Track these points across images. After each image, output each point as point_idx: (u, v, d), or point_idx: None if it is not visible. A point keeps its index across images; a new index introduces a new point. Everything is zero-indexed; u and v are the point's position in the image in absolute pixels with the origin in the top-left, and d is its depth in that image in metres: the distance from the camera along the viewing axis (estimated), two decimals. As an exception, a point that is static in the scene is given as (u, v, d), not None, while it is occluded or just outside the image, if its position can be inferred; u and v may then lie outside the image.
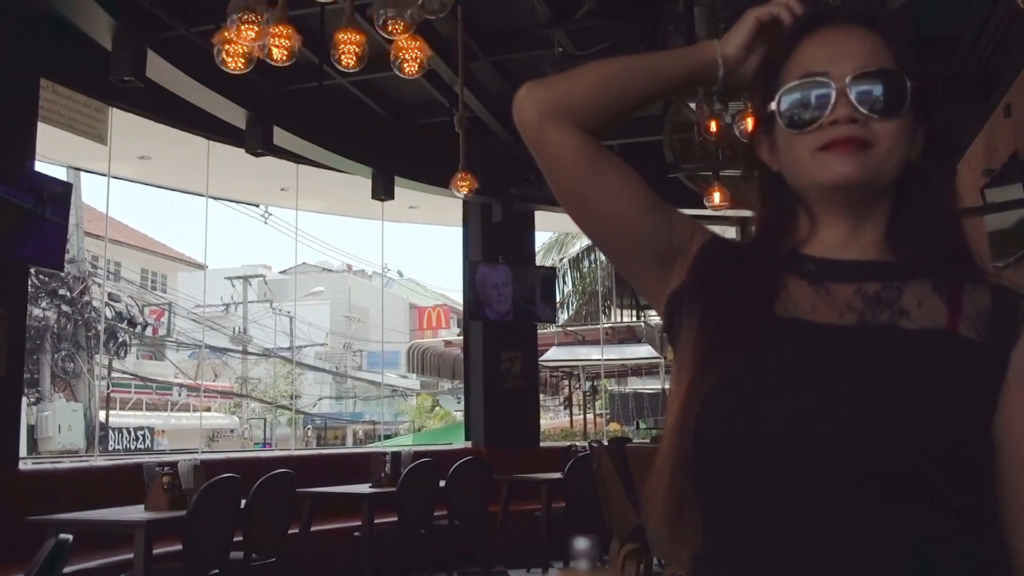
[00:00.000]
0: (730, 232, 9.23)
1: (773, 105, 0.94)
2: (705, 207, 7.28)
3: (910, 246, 0.94)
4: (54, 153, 7.11)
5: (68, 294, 17.23)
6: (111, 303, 19.82)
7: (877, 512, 0.81)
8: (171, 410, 24.38)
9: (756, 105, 0.99)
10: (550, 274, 9.51)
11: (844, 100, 0.90)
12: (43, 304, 16.80)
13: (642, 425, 15.34)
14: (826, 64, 0.92)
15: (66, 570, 2.99)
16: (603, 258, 20.85)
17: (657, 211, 1.00)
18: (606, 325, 18.15)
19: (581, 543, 0.69)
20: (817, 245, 0.96)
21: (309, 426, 26.49)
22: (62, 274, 15.46)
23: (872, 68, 0.91)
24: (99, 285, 17.87)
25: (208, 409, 23.99)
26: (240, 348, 25.32)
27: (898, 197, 0.95)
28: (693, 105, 6.15)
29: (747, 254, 1.00)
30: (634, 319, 22.34)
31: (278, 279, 29.14)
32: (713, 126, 5.94)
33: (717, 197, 7.00)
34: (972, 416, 0.83)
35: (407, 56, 4.18)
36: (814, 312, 0.91)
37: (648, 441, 7.74)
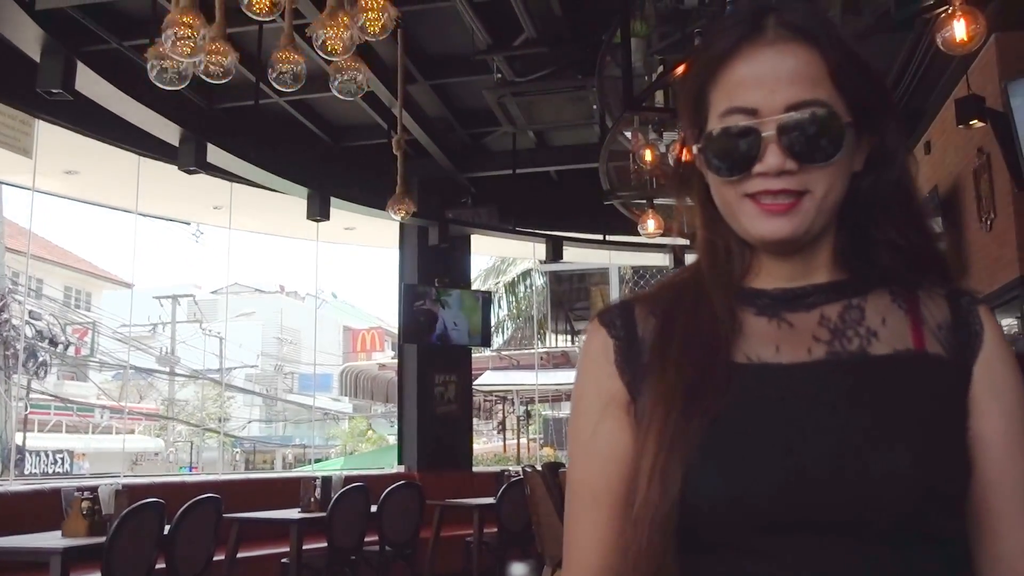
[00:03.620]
0: (663, 259, 9.39)
1: (696, 149, 0.87)
2: (639, 234, 7.40)
3: (862, 259, 0.88)
4: (-25, 165, 6.89)
5: (-14, 311, 16.60)
6: (32, 321, 19.17)
7: (878, 557, 0.77)
8: (92, 432, 23.63)
9: (687, 122, 0.91)
10: (486, 298, 9.51)
11: (774, 148, 0.81)
12: (-41, 321, 16.16)
13: (575, 450, 15.37)
14: (755, 93, 0.82)
15: (-24, 600, 2.87)
16: (539, 283, 21.04)
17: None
18: (541, 350, 18.22)
19: (518, 569, 0.67)
20: (765, 276, 0.89)
21: (238, 449, 25.93)
22: (-20, 290, 14.91)
23: (805, 100, 0.81)
24: (19, 302, 17.27)
25: (132, 432, 23.33)
26: (167, 369, 24.71)
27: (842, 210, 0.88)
28: (628, 134, 6.25)
29: (689, 296, 0.90)
30: (569, 344, 22.48)
31: (209, 299, 28.56)
32: (648, 155, 6.04)
33: (651, 225, 7.12)
34: (956, 441, 0.81)
35: (345, 77, 4.16)
36: (779, 353, 0.84)
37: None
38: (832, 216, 0.86)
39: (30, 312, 19.14)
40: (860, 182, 0.88)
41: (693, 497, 0.79)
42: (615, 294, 17.55)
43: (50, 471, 19.10)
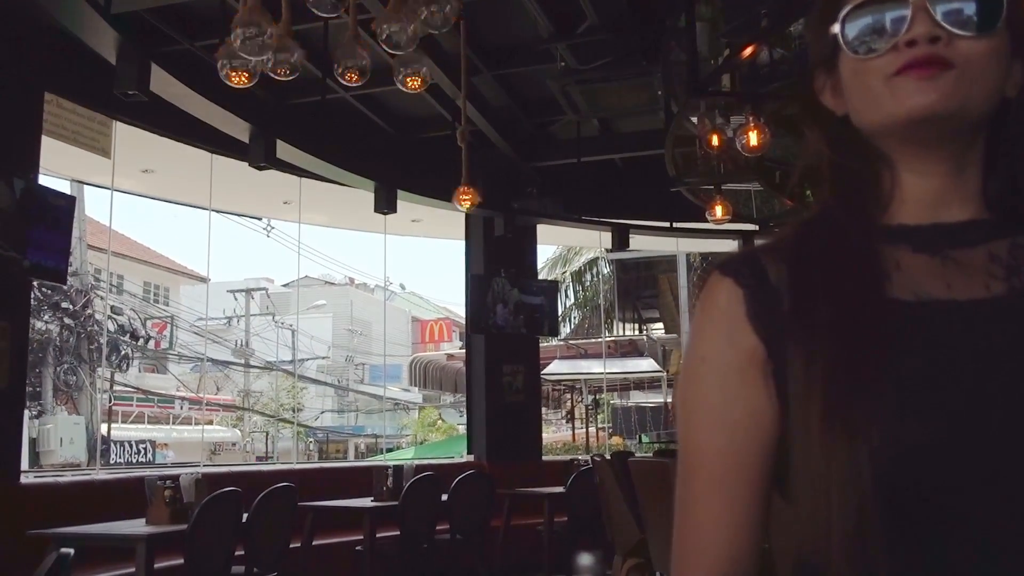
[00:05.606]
0: (732, 245, 9.24)
1: (836, 27, 0.78)
2: (707, 220, 7.30)
3: (1010, 199, 0.80)
4: (58, 166, 7.13)
5: (71, 307, 17.26)
6: (113, 316, 19.85)
7: None
8: (173, 423, 24.38)
9: (815, 35, 0.83)
10: (552, 287, 9.51)
11: (924, 16, 0.74)
12: (46, 317, 16.83)
13: (644, 439, 15.32)
14: None
15: (67, 584, 2.98)
16: (605, 271, 20.95)
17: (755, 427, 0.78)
18: (608, 339, 18.15)
19: (585, 559, 0.66)
20: (911, 207, 0.80)
21: (311, 439, 26.46)
22: (65, 287, 15.50)
23: None
24: (102, 298, 17.91)
25: (210, 422, 23.99)
26: (242, 361, 25.33)
27: (990, 142, 0.80)
28: (695, 119, 6.17)
29: (823, 233, 0.81)
30: (636, 333, 22.35)
31: (281, 292, 29.17)
32: (715, 140, 5.95)
33: (719, 211, 7.02)
34: None
35: (410, 70, 4.19)
36: (951, 289, 0.75)
37: (651, 455, 7.72)
38: (983, 113, 0.77)
39: (112, 307, 19.83)
40: (1010, 112, 0.80)
41: (892, 449, 0.68)
42: (683, 281, 17.38)
43: (134, 461, 19.79)
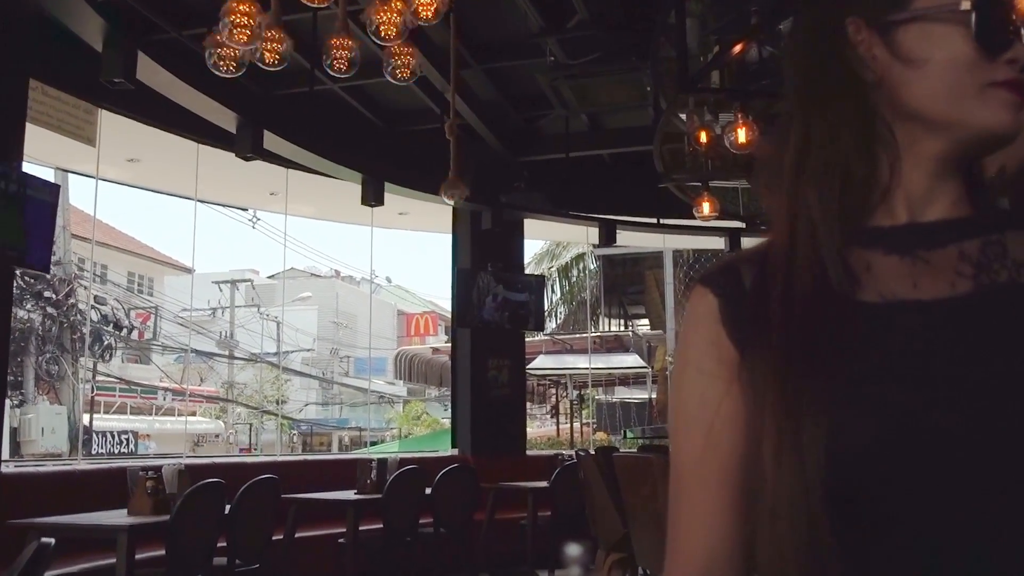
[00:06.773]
0: (718, 242, 9.27)
1: (966, 3, 0.75)
2: (694, 217, 7.31)
3: (988, 197, 0.82)
4: (42, 154, 7.07)
5: (54, 296, 17.13)
6: (97, 306, 19.73)
7: None
8: (156, 414, 24.26)
9: None
10: (539, 282, 9.51)
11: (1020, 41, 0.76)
12: (28, 306, 16.71)
13: (629, 434, 15.33)
14: None
15: (47, 574, 2.96)
16: (592, 267, 20.96)
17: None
18: (594, 334, 18.18)
19: (573, 550, 0.66)
20: (895, 206, 0.79)
21: (295, 432, 26.39)
22: (48, 276, 15.39)
23: None
24: (85, 288, 17.79)
25: (193, 414, 23.90)
26: (226, 352, 25.23)
27: None
28: (683, 116, 6.18)
29: (798, 242, 0.79)
30: (622, 328, 22.40)
31: (266, 284, 29.06)
32: (703, 137, 5.96)
33: (706, 207, 7.03)
34: None
35: (399, 62, 4.18)
36: (917, 289, 0.75)
37: (635, 451, 7.74)
38: None
39: (95, 297, 19.70)
40: None
41: (839, 445, 0.69)
42: (669, 278, 17.41)
43: (116, 451, 19.68)
